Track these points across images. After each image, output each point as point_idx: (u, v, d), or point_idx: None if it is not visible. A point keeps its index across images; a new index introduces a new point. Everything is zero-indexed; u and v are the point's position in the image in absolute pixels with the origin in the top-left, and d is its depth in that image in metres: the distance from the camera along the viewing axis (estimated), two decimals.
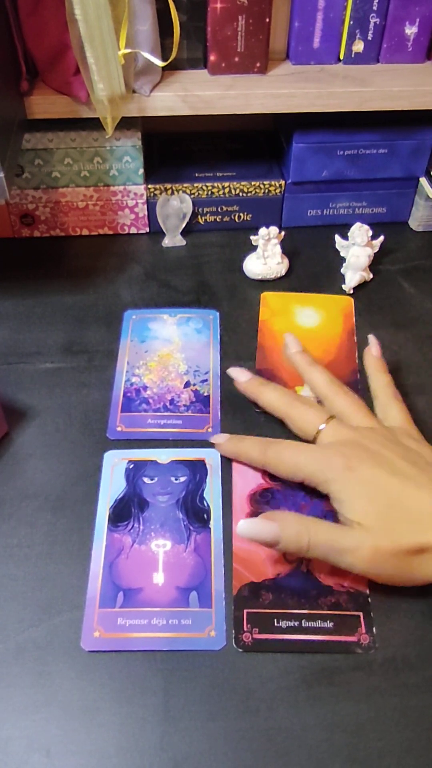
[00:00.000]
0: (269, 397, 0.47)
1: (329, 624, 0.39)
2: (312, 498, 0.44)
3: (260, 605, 0.40)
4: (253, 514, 0.44)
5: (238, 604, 0.40)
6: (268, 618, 0.39)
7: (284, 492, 0.45)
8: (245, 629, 0.39)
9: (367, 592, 0.40)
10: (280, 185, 0.65)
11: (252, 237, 0.60)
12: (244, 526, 0.38)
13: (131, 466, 0.47)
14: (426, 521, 0.38)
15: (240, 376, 0.49)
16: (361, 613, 0.39)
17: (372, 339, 0.51)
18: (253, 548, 0.42)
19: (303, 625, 0.39)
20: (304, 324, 0.58)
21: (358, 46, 0.57)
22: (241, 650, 0.38)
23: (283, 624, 0.39)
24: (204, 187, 0.64)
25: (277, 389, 0.47)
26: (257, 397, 0.48)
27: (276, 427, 0.49)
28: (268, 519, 0.39)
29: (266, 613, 0.39)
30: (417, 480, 0.39)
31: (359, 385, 0.52)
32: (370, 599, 0.40)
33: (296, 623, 0.39)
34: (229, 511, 0.44)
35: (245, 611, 0.39)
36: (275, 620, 0.39)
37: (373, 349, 0.50)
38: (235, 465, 0.47)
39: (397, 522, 0.38)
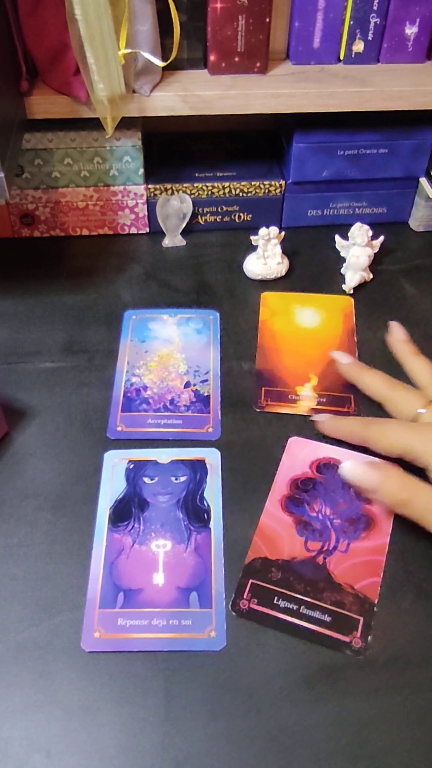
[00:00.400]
0: (370, 380, 0.48)
1: (327, 618, 0.39)
2: (351, 500, 0.45)
3: (267, 580, 0.40)
4: (289, 497, 0.45)
5: (246, 572, 0.40)
6: (270, 594, 0.40)
7: (326, 485, 0.46)
8: (245, 597, 0.39)
9: (375, 600, 0.40)
10: (280, 185, 0.65)
11: (252, 237, 0.60)
12: (348, 466, 0.41)
13: (131, 466, 0.47)
14: None
15: (342, 358, 0.51)
16: (361, 618, 0.39)
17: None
18: (278, 528, 0.43)
19: (301, 611, 0.39)
20: (304, 324, 0.58)
21: (358, 46, 0.57)
22: (234, 614, 0.38)
23: (282, 604, 0.39)
24: (204, 187, 0.64)
25: (378, 374, 0.48)
26: (357, 379, 0.49)
27: (277, 427, 0.49)
28: (373, 467, 0.41)
29: (270, 588, 0.40)
30: None
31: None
32: (376, 609, 0.40)
33: (295, 607, 0.39)
34: (232, 515, 0.44)
35: (250, 581, 0.40)
36: (276, 597, 0.40)
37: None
38: (288, 449, 0.47)
39: None
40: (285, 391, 0.52)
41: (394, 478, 0.41)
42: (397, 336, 0.51)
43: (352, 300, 0.60)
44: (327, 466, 0.47)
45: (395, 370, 0.53)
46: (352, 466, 0.41)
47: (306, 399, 0.51)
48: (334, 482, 0.46)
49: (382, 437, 0.44)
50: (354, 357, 0.54)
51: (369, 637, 0.38)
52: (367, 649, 0.38)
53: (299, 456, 0.47)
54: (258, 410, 0.50)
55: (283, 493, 0.45)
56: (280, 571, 0.41)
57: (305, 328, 0.57)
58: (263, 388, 0.52)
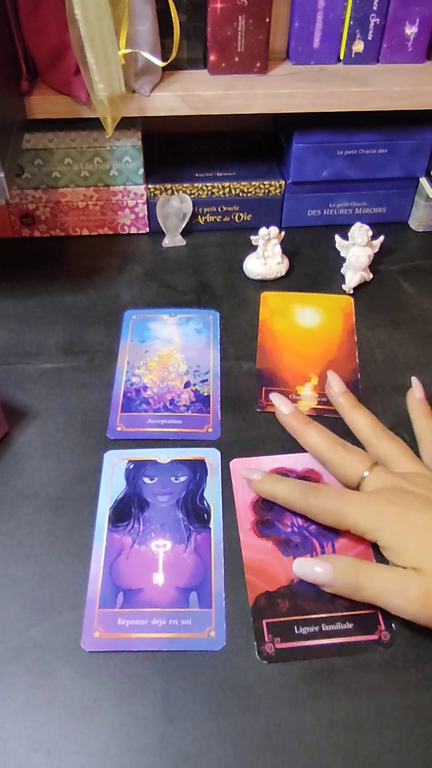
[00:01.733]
0: (312, 439, 0.45)
1: (349, 625, 0.39)
2: None
3: (278, 614, 0.39)
4: (258, 522, 0.44)
5: (257, 615, 0.39)
6: (288, 626, 0.39)
7: None
8: (267, 640, 0.38)
9: None
10: (280, 185, 0.65)
11: (252, 237, 0.60)
12: (299, 565, 0.40)
13: (131, 466, 0.47)
14: None
15: (283, 406, 0.48)
16: (378, 611, 0.39)
17: (415, 381, 0.50)
18: (264, 557, 0.42)
19: (323, 629, 0.38)
20: (304, 324, 0.58)
21: (358, 46, 0.57)
22: (266, 662, 0.37)
23: (304, 630, 0.38)
24: (204, 187, 0.64)
25: (321, 432, 0.45)
26: (298, 436, 0.46)
27: (277, 427, 0.49)
28: (323, 560, 0.39)
29: (285, 621, 0.39)
30: None
31: (360, 385, 0.52)
32: None
33: (316, 628, 0.38)
34: (232, 515, 0.44)
35: (264, 622, 0.39)
36: (295, 627, 0.39)
37: (417, 392, 0.49)
38: (233, 472, 0.46)
39: None
40: (286, 391, 0.52)
41: (343, 566, 0.39)
42: (336, 388, 0.49)
43: (352, 300, 0.60)
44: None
45: (395, 370, 0.54)
46: (300, 567, 0.40)
47: (307, 399, 0.51)
48: None
49: (322, 513, 0.41)
50: (354, 356, 0.54)
51: (393, 625, 0.38)
52: (396, 638, 0.38)
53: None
54: (259, 410, 0.50)
55: (250, 519, 0.44)
56: (286, 599, 0.40)
57: (305, 327, 0.57)
58: (264, 388, 0.52)
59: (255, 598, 0.40)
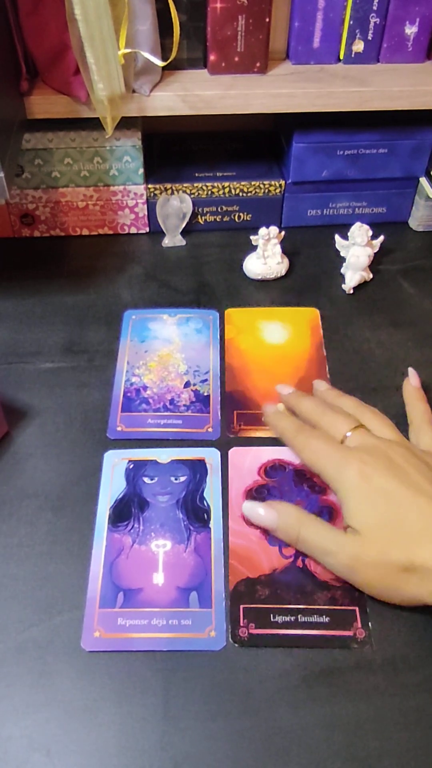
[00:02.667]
0: (305, 405, 0.47)
1: (325, 619, 0.39)
2: (307, 495, 0.45)
3: (256, 600, 0.40)
4: None
5: (235, 599, 0.40)
6: (265, 613, 0.39)
7: (280, 488, 0.45)
8: (242, 624, 0.39)
9: None
10: (280, 185, 0.65)
11: (252, 237, 0.60)
12: (247, 506, 0.43)
13: (131, 465, 0.47)
14: (423, 539, 0.37)
15: (283, 390, 0.49)
16: (356, 608, 0.39)
17: (412, 371, 0.51)
18: (250, 544, 0.42)
19: (299, 620, 0.39)
20: (271, 340, 0.56)
21: (358, 46, 0.57)
22: (237, 645, 0.38)
23: (279, 619, 0.39)
24: (204, 187, 0.64)
25: (313, 400, 0.47)
26: (295, 406, 0.48)
27: None
28: (270, 506, 0.42)
29: (262, 608, 0.39)
30: (430, 496, 0.38)
31: None
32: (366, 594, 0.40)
33: (292, 618, 0.39)
34: (227, 508, 0.44)
35: (241, 606, 0.40)
36: (271, 615, 0.39)
37: (413, 380, 0.50)
38: (231, 462, 0.47)
39: (393, 534, 0.37)
40: (258, 414, 0.50)
41: (288, 515, 0.41)
42: (321, 387, 0.50)
43: (318, 312, 0.59)
44: (274, 469, 0.47)
45: (395, 370, 0.54)
46: (250, 506, 0.43)
47: None
48: (287, 483, 0.46)
49: (304, 450, 0.43)
50: (324, 371, 0.54)
51: (370, 624, 0.39)
52: (372, 637, 0.38)
53: (244, 465, 0.47)
54: (231, 435, 0.49)
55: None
56: (266, 587, 0.40)
57: (272, 344, 0.56)
58: (235, 412, 0.50)
59: (236, 582, 0.41)
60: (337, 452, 0.42)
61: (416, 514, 0.37)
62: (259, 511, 0.42)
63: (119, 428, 0.49)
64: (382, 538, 0.37)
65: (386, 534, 0.37)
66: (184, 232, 0.66)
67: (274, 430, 0.47)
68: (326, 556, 0.39)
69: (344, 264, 0.61)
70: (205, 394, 0.52)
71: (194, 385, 0.53)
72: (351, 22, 0.56)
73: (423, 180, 0.65)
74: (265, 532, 0.43)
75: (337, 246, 0.62)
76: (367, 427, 0.45)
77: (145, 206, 0.65)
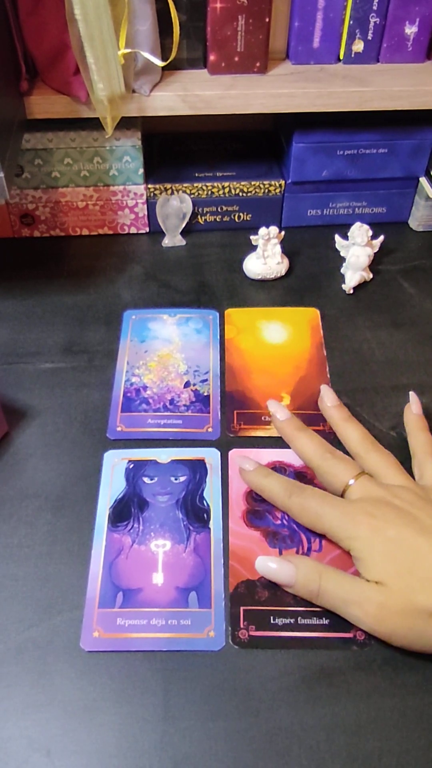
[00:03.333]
0: (303, 444, 0.45)
1: (325, 621, 0.39)
2: None
3: (256, 602, 0.40)
4: (249, 511, 0.44)
5: (235, 601, 0.40)
6: (264, 615, 0.39)
7: None
8: (242, 626, 0.39)
9: None
10: (280, 185, 0.65)
11: (252, 237, 0.60)
12: (262, 563, 0.40)
13: (131, 465, 0.47)
14: None
15: (278, 413, 0.47)
16: None
17: (413, 396, 0.49)
18: (250, 545, 0.42)
19: (299, 622, 0.39)
20: (271, 340, 0.56)
21: (358, 46, 0.57)
22: (237, 647, 0.38)
23: (279, 621, 0.39)
24: (204, 187, 0.64)
25: (313, 438, 0.45)
26: (290, 442, 0.46)
27: None
28: (286, 560, 0.39)
29: (262, 610, 0.39)
30: None
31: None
32: None
33: (292, 620, 0.39)
34: (228, 509, 0.44)
35: (241, 608, 0.39)
36: (271, 617, 0.39)
37: (414, 407, 0.48)
38: (231, 462, 0.47)
39: (416, 580, 0.36)
40: (258, 413, 0.50)
41: (306, 568, 0.39)
42: (327, 401, 0.48)
43: (318, 312, 0.59)
44: (275, 470, 0.46)
45: (395, 370, 0.54)
46: (265, 563, 0.40)
47: None
48: None
49: (301, 512, 0.41)
50: (324, 371, 0.53)
51: None
52: (371, 639, 0.38)
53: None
54: (231, 435, 0.49)
55: (241, 508, 0.44)
56: (266, 589, 0.40)
57: (273, 344, 0.56)
58: (235, 411, 0.50)
59: (236, 584, 0.40)
60: (341, 511, 0.40)
61: None
62: (272, 566, 0.40)
63: (119, 428, 0.49)
64: (406, 585, 0.36)
65: (409, 581, 0.36)
66: (184, 232, 0.66)
67: (259, 491, 0.44)
68: (350, 607, 0.37)
69: (344, 264, 0.61)
70: (205, 394, 0.52)
71: (194, 385, 0.53)
72: (351, 22, 0.56)
73: (423, 180, 0.65)
74: (266, 533, 0.43)
75: (337, 246, 0.62)
76: (371, 469, 0.43)
77: (145, 206, 0.65)
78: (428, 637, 0.36)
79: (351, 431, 0.46)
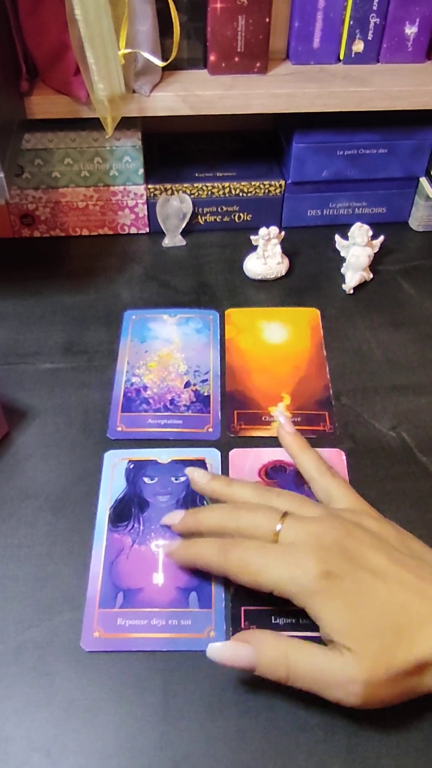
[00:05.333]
0: (209, 521, 0.39)
1: None
2: (309, 495, 0.44)
3: (257, 602, 0.40)
4: None
5: (236, 601, 0.40)
6: (265, 615, 0.39)
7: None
8: (242, 626, 0.39)
9: None
10: (280, 185, 0.65)
11: (252, 237, 0.60)
12: (214, 649, 0.34)
13: (131, 466, 0.47)
14: (420, 630, 0.33)
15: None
16: None
17: (279, 414, 0.46)
18: None
19: (300, 621, 0.39)
20: (271, 340, 0.56)
21: (358, 46, 0.57)
22: None
23: (280, 621, 0.39)
24: (204, 187, 0.64)
25: (214, 509, 0.40)
26: (196, 526, 0.40)
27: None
28: (243, 641, 0.34)
29: (263, 609, 0.39)
30: (401, 579, 0.34)
31: (332, 401, 0.51)
32: None
33: (293, 620, 0.39)
34: None
35: (242, 608, 0.39)
36: (272, 617, 0.39)
37: (287, 426, 0.45)
38: (231, 463, 0.47)
39: (388, 637, 0.33)
40: (258, 413, 0.50)
41: (268, 648, 0.33)
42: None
43: (318, 312, 0.59)
44: (275, 470, 0.46)
45: (394, 369, 0.54)
46: (218, 649, 0.34)
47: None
48: (287, 484, 0.45)
49: (243, 569, 0.36)
50: (324, 372, 0.53)
51: None
52: None
53: (245, 467, 0.46)
54: (231, 435, 0.49)
55: None
56: None
57: (273, 344, 0.56)
58: (235, 411, 0.50)
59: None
60: (284, 556, 0.35)
61: (397, 606, 0.33)
62: (225, 653, 0.34)
63: (119, 428, 0.49)
64: (380, 648, 0.32)
65: (381, 641, 0.33)
66: (184, 232, 0.66)
67: (191, 565, 0.40)
68: (330, 690, 0.33)
69: (344, 264, 0.61)
70: (206, 394, 0.52)
71: (194, 385, 0.53)
72: (351, 22, 0.56)
73: (423, 180, 0.65)
74: None
75: (337, 246, 0.62)
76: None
77: (145, 206, 0.65)
78: (421, 690, 0.33)
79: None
